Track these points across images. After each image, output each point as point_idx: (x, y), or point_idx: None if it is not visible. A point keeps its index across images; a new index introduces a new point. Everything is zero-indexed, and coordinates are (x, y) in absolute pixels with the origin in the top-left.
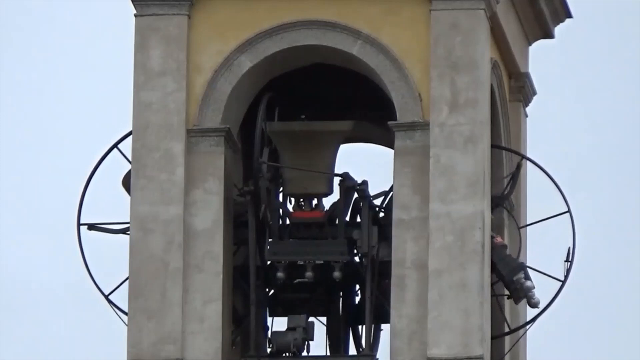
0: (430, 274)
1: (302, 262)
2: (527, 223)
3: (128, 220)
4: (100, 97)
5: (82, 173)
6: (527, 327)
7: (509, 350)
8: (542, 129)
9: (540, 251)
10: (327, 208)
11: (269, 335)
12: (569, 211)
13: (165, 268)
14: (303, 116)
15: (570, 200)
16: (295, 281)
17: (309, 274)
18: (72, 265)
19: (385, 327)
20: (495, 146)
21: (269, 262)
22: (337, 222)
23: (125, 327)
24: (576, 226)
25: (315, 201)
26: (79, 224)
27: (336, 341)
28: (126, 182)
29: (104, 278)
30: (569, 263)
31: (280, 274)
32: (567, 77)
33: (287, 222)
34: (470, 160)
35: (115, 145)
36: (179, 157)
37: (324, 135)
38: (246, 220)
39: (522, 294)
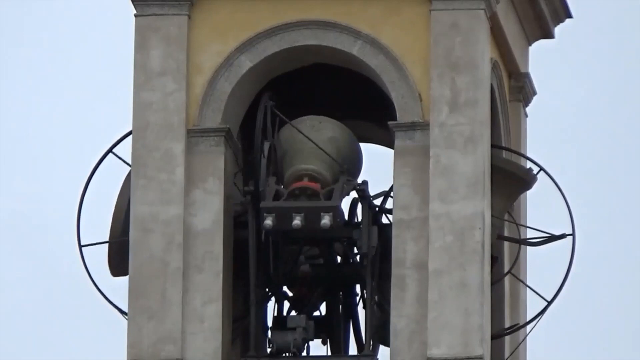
0: (430, 274)
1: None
2: (527, 224)
3: (127, 232)
4: (100, 97)
5: (80, 174)
6: (528, 326)
7: (512, 353)
8: (542, 129)
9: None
10: None
11: (269, 335)
12: (570, 211)
13: (165, 268)
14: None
15: (570, 200)
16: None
17: (296, 222)
18: (72, 265)
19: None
20: (495, 146)
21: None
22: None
23: (126, 327)
24: (576, 227)
25: None
26: (80, 245)
27: (336, 341)
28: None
29: (105, 279)
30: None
31: (268, 222)
32: (567, 77)
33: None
34: (470, 160)
35: (110, 150)
36: (179, 157)
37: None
38: (246, 220)
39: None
